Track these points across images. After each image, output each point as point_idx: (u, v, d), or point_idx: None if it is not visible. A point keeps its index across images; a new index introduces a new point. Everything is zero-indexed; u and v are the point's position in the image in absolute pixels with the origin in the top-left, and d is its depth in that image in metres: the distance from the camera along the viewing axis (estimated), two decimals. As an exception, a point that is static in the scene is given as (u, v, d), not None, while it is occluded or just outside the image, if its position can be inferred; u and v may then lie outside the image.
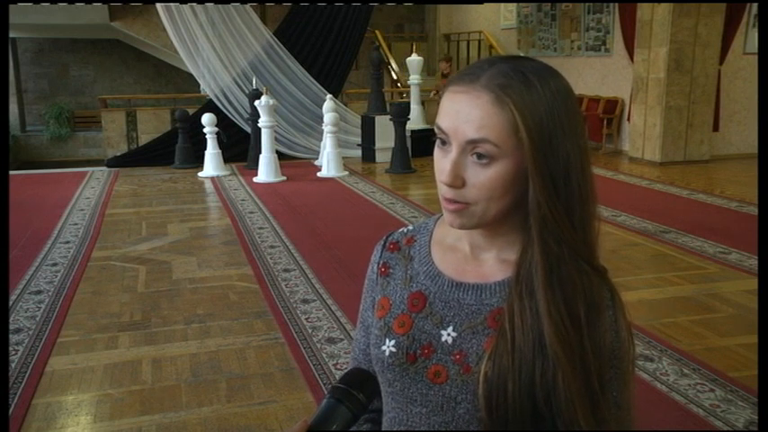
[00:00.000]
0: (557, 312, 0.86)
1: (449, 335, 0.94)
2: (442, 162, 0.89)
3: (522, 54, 10.72)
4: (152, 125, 10.05)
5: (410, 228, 1.09)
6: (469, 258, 0.98)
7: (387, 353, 0.97)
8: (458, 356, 0.93)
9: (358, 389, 0.89)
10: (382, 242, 1.09)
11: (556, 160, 0.85)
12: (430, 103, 10.72)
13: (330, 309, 3.89)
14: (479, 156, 0.86)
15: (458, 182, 0.87)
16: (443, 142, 0.89)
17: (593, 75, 10.34)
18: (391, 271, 1.04)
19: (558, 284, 0.87)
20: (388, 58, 12.83)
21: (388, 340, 0.98)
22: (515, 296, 0.89)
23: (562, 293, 0.87)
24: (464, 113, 0.86)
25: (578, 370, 0.85)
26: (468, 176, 0.87)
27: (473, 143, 0.85)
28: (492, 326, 0.92)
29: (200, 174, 8.53)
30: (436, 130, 0.90)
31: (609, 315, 0.90)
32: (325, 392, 2.88)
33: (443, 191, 0.90)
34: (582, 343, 0.86)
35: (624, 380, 0.91)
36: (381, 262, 1.06)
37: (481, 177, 0.86)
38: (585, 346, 0.86)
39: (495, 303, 0.93)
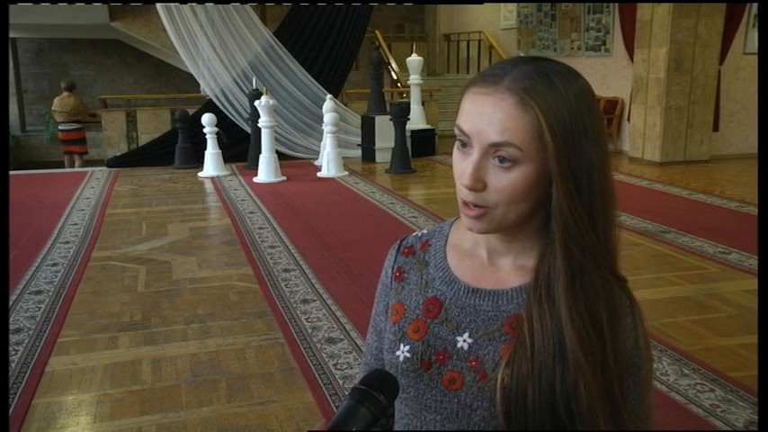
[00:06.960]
0: (579, 319, 0.84)
1: (464, 341, 0.93)
2: (463, 165, 0.87)
3: (522, 54, 10.70)
4: (152, 125, 10.04)
5: (424, 232, 1.06)
6: (486, 264, 0.96)
7: (401, 358, 0.95)
8: (474, 363, 0.91)
9: (378, 390, 0.88)
10: (396, 246, 1.06)
11: (579, 164, 0.83)
12: (430, 104, 10.72)
13: (330, 309, 3.89)
14: (502, 159, 0.84)
15: (479, 185, 0.85)
16: (464, 144, 0.87)
17: (593, 75, 10.33)
18: (406, 276, 1.02)
19: (581, 290, 0.85)
20: (388, 58, 12.82)
21: (402, 345, 0.96)
22: (534, 302, 0.88)
23: (584, 300, 0.85)
24: (487, 116, 0.83)
25: (600, 377, 0.84)
26: (490, 180, 0.85)
27: (496, 146, 0.83)
28: (509, 332, 0.90)
29: (200, 174, 8.54)
30: (456, 131, 0.87)
31: (628, 323, 0.89)
32: (326, 393, 2.89)
33: (463, 194, 0.87)
34: (604, 350, 0.85)
35: (643, 388, 0.90)
36: (396, 267, 1.04)
37: (503, 181, 0.84)
38: (607, 353, 0.85)
39: (513, 310, 0.92)
